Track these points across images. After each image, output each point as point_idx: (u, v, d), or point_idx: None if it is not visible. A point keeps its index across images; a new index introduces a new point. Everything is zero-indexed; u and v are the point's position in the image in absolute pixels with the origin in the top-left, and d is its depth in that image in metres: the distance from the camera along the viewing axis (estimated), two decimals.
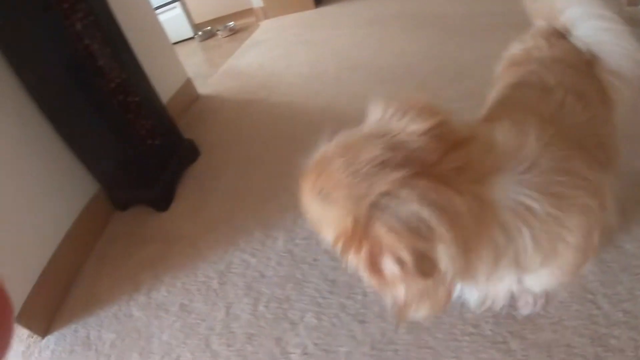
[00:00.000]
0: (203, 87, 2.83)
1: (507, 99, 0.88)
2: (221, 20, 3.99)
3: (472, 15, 3.02)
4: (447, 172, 0.59)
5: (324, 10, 3.78)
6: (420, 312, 0.65)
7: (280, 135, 2.09)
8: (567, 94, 0.78)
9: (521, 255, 0.65)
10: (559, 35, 0.98)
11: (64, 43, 1.45)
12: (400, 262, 0.56)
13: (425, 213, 0.55)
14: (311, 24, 3.53)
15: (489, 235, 0.62)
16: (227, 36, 3.82)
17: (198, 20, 3.99)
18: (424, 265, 0.57)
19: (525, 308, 1.03)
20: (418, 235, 0.55)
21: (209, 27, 3.97)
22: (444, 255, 0.58)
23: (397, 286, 0.60)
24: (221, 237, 1.56)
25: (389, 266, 0.57)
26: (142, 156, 1.75)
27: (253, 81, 2.75)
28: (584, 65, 0.91)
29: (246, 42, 3.47)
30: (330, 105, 2.25)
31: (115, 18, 1.73)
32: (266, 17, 3.88)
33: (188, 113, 2.51)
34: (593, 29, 0.92)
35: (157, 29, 2.55)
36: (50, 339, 1.42)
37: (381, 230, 0.56)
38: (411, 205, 0.56)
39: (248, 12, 4.00)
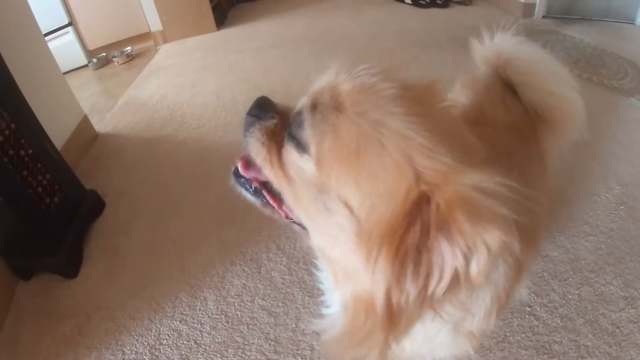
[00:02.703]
0: (101, 124, 2.58)
1: None
2: (117, 45, 3.69)
3: (382, 34, 3.11)
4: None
5: (226, 32, 3.68)
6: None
7: (192, 177, 1.96)
8: (514, 169, 0.76)
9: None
10: (512, 91, 0.98)
11: None
12: (466, 259, 0.43)
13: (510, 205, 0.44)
14: (214, 47, 3.40)
15: None
16: (124, 63, 3.55)
17: (92, 46, 3.64)
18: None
19: None
20: (508, 227, 0.43)
21: (104, 54, 3.65)
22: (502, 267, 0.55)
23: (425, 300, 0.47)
24: (142, 305, 1.41)
25: (453, 261, 0.43)
26: (41, 218, 1.53)
27: (157, 115, 2.56)
28: (532, 134, 0.93)
29: (145, 69, 3.25)
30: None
31: (0, 54, 1.50)
32: (165, 41, 3.68)
33: (86, 157, 2.26)
34: (540, 91, 0.94)
35: (48, 60, 2.26)
36: None
37: (464, 206, 0.43)
38: (500, 186, 0.44)
39: (146, 36, 3.75)
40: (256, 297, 1.36)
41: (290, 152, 0.57)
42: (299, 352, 1.20)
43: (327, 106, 0.53)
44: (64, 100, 2.32)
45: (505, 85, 1.00)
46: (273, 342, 1.23)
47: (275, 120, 0.62)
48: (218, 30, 3.70)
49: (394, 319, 0.48)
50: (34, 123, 1.65)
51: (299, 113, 0.57)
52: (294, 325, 1.27)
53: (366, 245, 0.48)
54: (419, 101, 0.52)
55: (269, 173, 0.61)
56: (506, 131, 0.86)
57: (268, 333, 1.26)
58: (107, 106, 2.86)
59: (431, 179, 0.46)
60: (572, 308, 1.12)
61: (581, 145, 1.64)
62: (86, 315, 1.42)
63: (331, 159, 0.51)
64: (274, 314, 1.31)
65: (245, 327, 1.28)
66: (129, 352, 1.28)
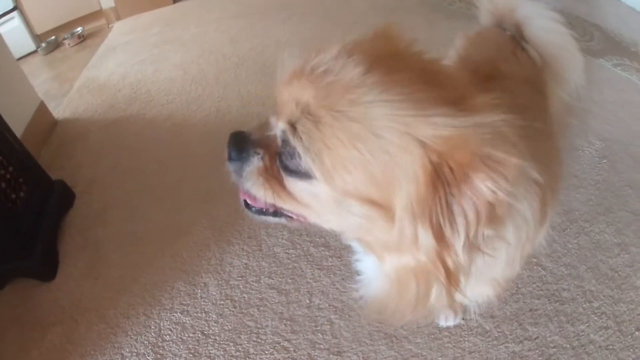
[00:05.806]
0: (59, 110, 2.35)
1: None
2: (67, 27, 3.37)
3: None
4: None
5: (183, 5, 3.42)
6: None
7: (169, 157, 1.81)
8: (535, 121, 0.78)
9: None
10: (518, 43, 0.98)
11: None
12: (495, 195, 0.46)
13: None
14: (173, 21, 3.17)
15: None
16: (76, 44, 3.26)
17: (40, 30, 3.31)
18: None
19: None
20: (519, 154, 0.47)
21: (53, 37, 3.33)
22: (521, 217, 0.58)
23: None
24: (135, 300, 1.28)
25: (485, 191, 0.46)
26: (7, 217, 1.36)
27: (119, 94, 2.35)
28: (543, 86, 0.95)
29: (100, 49, 2.99)
30: (220, 110, 2.02)
31: None
32: (118, 18, 3.39)
33: (47, 147, 2.05)
34: (543, 30, 0.97)
35: None
36: None
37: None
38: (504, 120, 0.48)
39: (97, 14, 3.44)
40: (262, 277, 1.26)
41: (295, 183, 0.56)
42: (318, 328, 1.12)
43: (306, 125, 0.51)
44: (18, 87, 2.10)
45: (513, 39, 1.00)
46: (289, 322, 1.15)
47: (260, 155, 0.60)
48: (174, 3, 3.44)
49: (453, 276, 0.51)
50: None
51: (285, 142, 0.55)
52: (307, 301, 1.18)
53: (402, 227, 0.50)
54: (389, 61, 0.52)
55: (282, 205, 0.60)
56: (523, 84, 0.88)
57: (282, 313, 1.17)
58: (63, 91, 2.61)
59: (437, 146, 0.46)
60: (573, 256, 1.18)
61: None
62: (73, 320, 1.28)
63: (339, 171, 0.50)
64: (284, 292, 1.21)
65: (256, 310, 1.18)
66: (129, 354, 1.16)
